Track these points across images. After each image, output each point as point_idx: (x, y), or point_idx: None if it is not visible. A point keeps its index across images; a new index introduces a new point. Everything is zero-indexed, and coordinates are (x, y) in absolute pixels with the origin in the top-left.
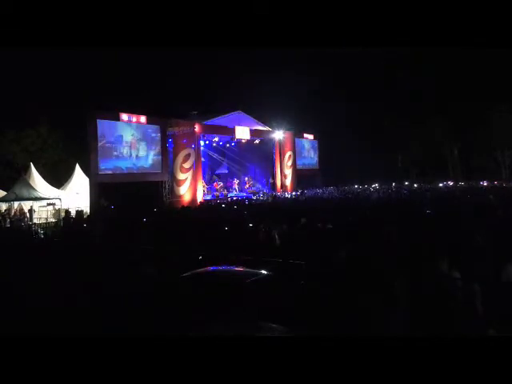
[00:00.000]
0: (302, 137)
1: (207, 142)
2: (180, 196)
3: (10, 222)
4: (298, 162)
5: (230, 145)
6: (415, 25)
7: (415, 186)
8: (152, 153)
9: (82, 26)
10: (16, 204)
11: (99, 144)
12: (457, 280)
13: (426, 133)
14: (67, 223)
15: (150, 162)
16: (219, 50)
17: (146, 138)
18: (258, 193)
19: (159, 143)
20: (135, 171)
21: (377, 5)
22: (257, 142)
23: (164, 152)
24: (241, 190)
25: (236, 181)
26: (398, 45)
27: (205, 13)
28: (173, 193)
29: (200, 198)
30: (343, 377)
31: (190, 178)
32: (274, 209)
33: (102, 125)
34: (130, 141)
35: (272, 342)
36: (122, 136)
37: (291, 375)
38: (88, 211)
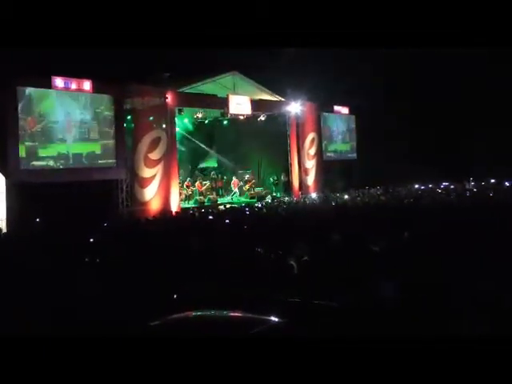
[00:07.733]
0: (332, 110)
1: (186, 120)
2: (145, 203)
3: None
4: (325, 150)
5: (222, 123)
6: (413, 25)
7: (507, 184)
8: (101, 137)
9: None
10: None
11: (20, 124)
12: None
13: None
14: None
15: (98, 151)
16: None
17: (92, 115)
18: (264, 196)
19: (112, 122)
20: (76, 166)
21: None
22: (262, 118)
23: (120, 136)
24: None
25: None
26: (397, 45)
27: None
28: (134, 198)
29: (176, 205)
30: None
31: (159, 174)
32: (291, 224)
33: (26, 95)
34: (68, 119)
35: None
36: (55, 112)
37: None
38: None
